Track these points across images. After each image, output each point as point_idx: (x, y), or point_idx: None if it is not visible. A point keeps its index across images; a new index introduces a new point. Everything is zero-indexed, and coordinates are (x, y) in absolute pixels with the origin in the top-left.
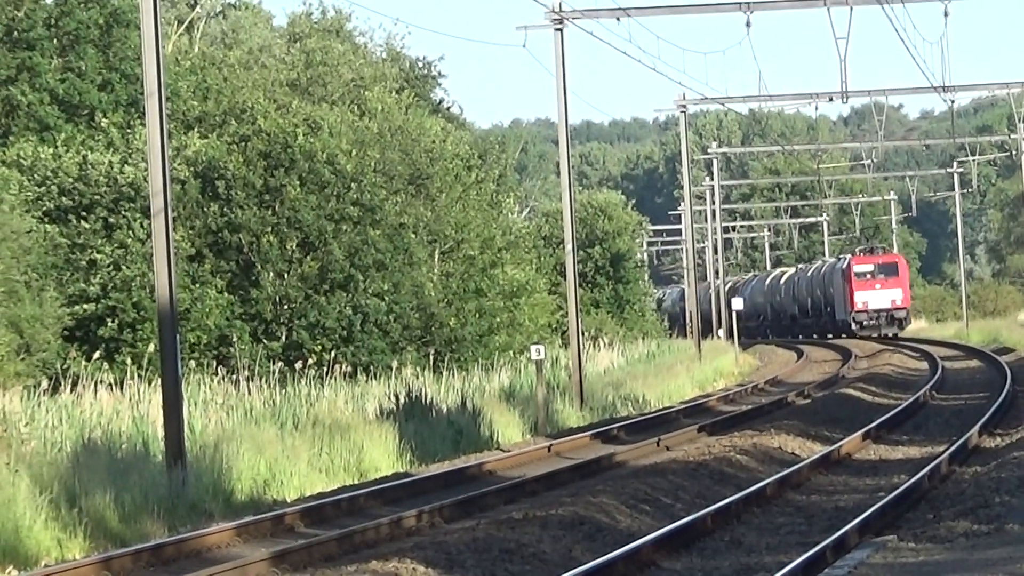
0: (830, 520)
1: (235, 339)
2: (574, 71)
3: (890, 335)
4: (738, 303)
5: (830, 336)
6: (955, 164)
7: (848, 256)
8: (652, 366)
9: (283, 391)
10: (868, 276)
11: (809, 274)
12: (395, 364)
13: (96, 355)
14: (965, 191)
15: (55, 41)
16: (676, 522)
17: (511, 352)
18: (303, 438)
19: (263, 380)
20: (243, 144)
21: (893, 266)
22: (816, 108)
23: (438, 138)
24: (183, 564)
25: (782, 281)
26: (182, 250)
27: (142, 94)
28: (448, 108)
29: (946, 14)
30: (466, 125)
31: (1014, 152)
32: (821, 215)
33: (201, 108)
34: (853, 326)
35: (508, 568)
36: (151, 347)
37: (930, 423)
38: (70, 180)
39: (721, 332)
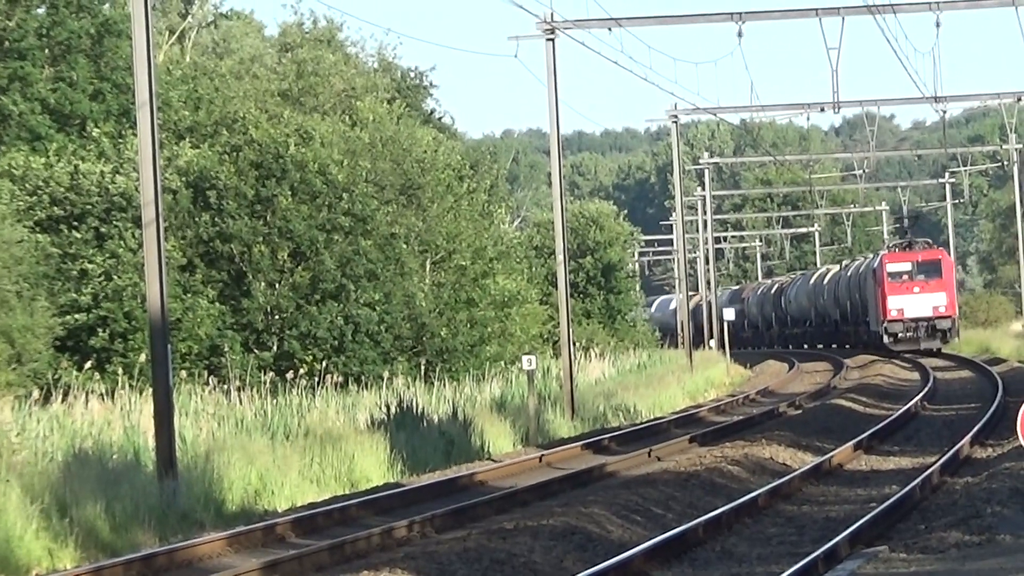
0: (821, 531)
1: (226, 349)
2: (566, 81)
3: (933, 350)
4: (729, 313)
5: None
6: (947, 174)
7: (881, 253)
8: (643, 376)
9: (274, 401)
10: (904, 277)
11: (849, 273)
12: (386, 374)
13: (87, 365)
14: (957, 201)
15: (46, 51)
16: (667, 532)
17: (502, 362)
18: (294, 448)
19: (254, 390)
20: (235, 154)
21: (935, 264)
22: (808, 118)
23: (429, 148)
24: (174, 574)
25: (825, 281)
26: (173, 260)
27: (133, 104)
28: (440, 118)
29: (938, 24)
30: (458, 135)
31: (1006, 163)
32: (813, 225)
33: (192, 118)
34: (885, 339)
35: None
36: (142, 357)
37: (921, 434)
38: (61, 190)
39: (712, 343)
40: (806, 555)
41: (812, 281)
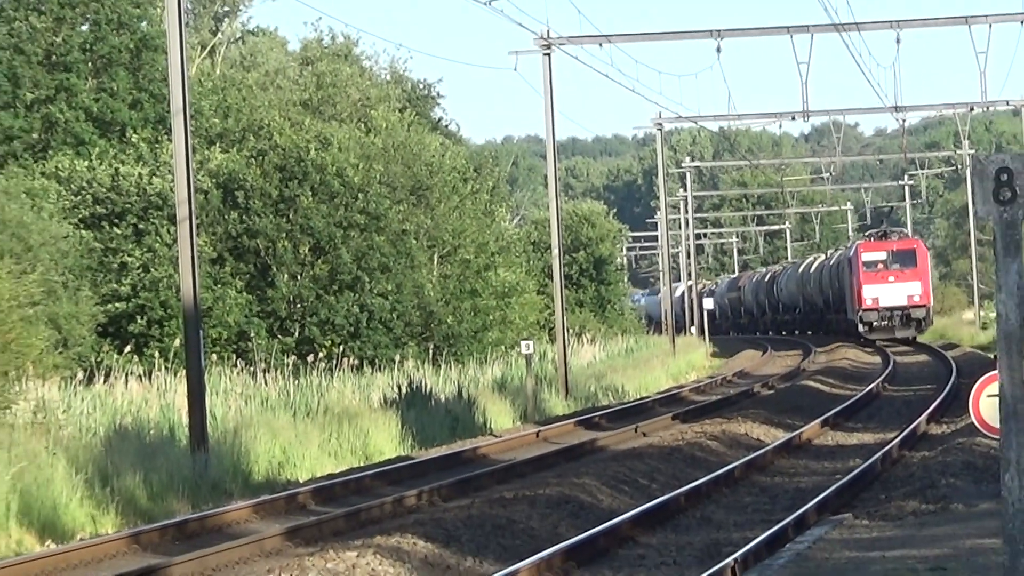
0: (792, 500)
1: (253, 335)
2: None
3: (908, 338)
4: (708, 303)
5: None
6: (906, 177)
7: (856, 242)
8: (631, 360)
9: (296, 382)
10: (879, 266)
11: (831, 262)
12: (398, 358)
13: (127, 349)
14: (915, 202)
15: (90, 64)
16: (652, 501)
17: (503, 347)
18: (314, 425)
19: (278, 372)
20: (260, 158)
21: (910, 253)
22: (780, 126)
23: (437, 153)
24: (205, 539)
25: (812, 270)
26: (205, 254)
27: (169, 112)
28: (446, 125)
29: (898, 40)
30: (462, 141)
31: (959, 166)
32: (784, 223)
33: (222, 125)
34: (860, 327)
35: (500, 542)
36: (176, 342)
37: (883, 412)
38: (103, 190)
39: (693, 329)
40: (778, 522)
41: (800, 270)
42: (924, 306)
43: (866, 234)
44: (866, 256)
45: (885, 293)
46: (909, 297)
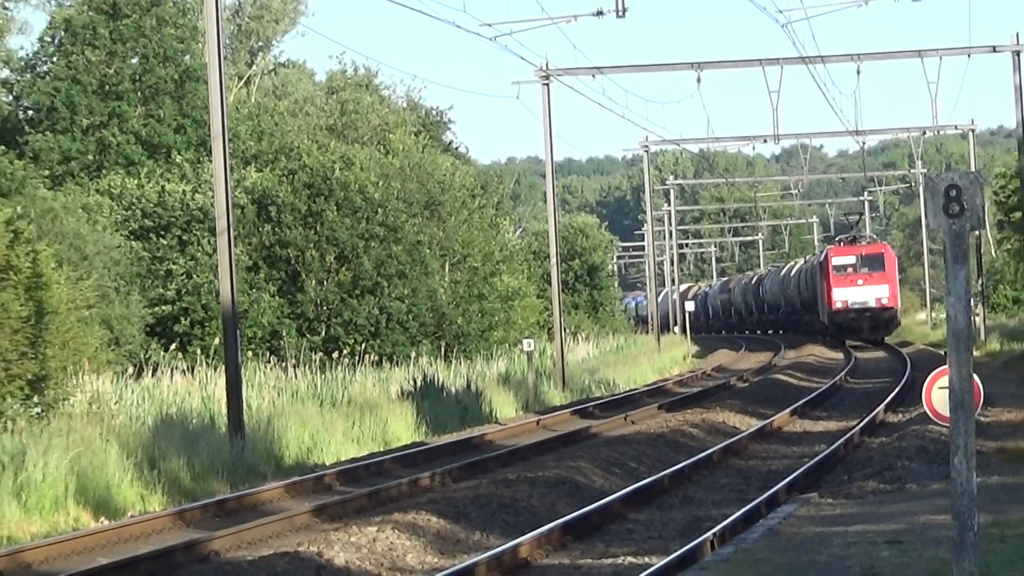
0: (764, 480)
1: (284, 334)
2: (558, 118)
3: (877, 340)
4: (690, 305)
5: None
6: (865, 193)
7: (827, 247)
8: (620, 356)
9: (323, 376)
10: (849, 270)
11: (807, 266)
12: (413, 354)
13: (172, 347)
14: (874, 215)
15: (139, 93)
16: (640, 482)
17: (507, 344)
18: (339, 414)
19: (306, 367)
20: (291, 176)
21: (878, 258)
22: (753, 148)
23: (448, 172)
24: (242, 515)
25: (792, 273)
26: (241, 262)
27: (209, 136)
28: (456, 148)
29: (858, 72)
30: (470, 161)
31: (913, 184)
32: (757, 235)
33: (257, 147)
34: (830, 328)
35: (504, 519)
36: (216, 340)
37: (845, 402)
38: (151, 205)
39: (676, 328)
40: (752, 500)
41: (782, 274)
42: (891, 308)
43: (836, 239)
44: (836, 260)
45: (854, 295)
46: (877, 299)
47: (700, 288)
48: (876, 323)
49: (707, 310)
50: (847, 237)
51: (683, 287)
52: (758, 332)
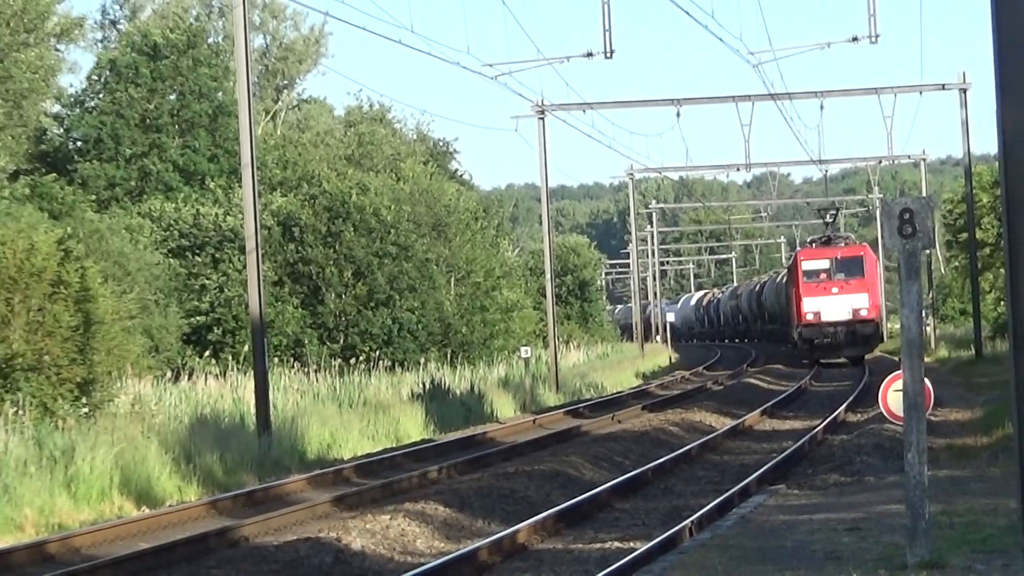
0: (737, 474)
1: (306, 342)
2: (552, 148)
3: (855, 360)
4: (671, 316)
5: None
6: (828, 216)
7: (796, 250)
8: (608, 362)
9: (341, 380)
10: (822, 276)
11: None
12: (422, 360)
13: (206, 353)
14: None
15: (176, 126)
16: (626, 475)
17: (506, 352)
18: (355, 414)
19: (326, 372)
20: (312, 201)
21: (856, 261)
22: (727, 175)
23: (453, 197)
24: (269, 505)
25: (778, 280)
26: (268, 277)
27: (240, 165)
28: (460, 175)
29: (821, 107)
30: (473, 187)
31: (871, 207)
32: (731, 253)
33: (282, 175)
34: (800, 345)
35: (504, 508)
36: (246, 348)
37: (809, 404)
38: (187, 227)
39: (659, 338)
40: (726, 491)
41: (777, 280)
42: (872, 321)
43: (809, 240)
44: (807, 265)
45: (828, 307)
46: (855, 311)
47: (714, 295)
48: (854, 339)
49: (719, 317)
50: (820, 238)
51: (699, 294)
52: (756, 340)
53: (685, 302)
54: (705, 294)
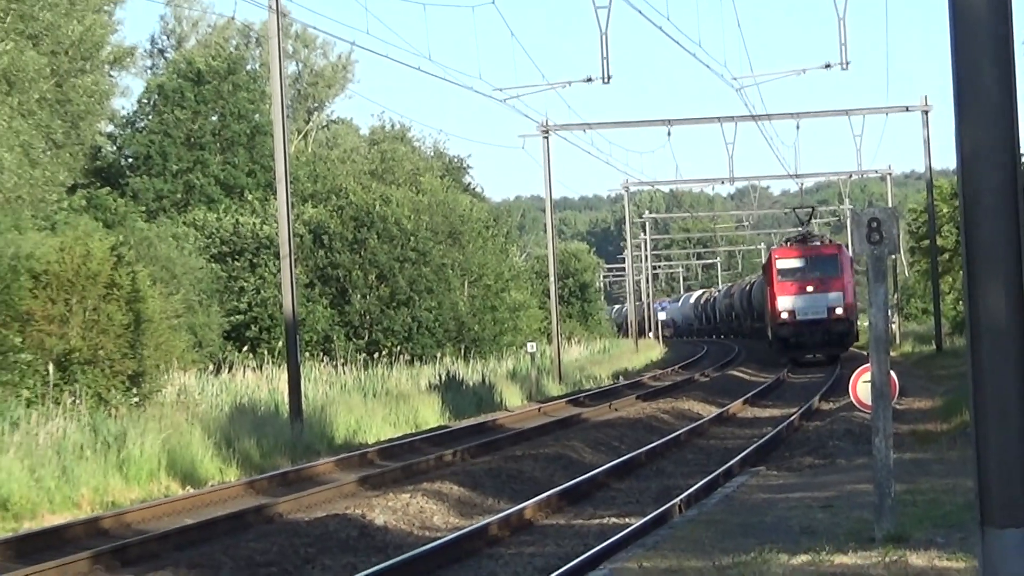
0: (722, 456)
1: (334, 338)
2: (555, 163)
3: (834, 358)
4: (662, 315)
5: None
6: (803, 214)
7: (771, 247)
8: (606, 356)
9: (366, 372)
10: (796, 274)
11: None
12: (439, 355)
13: (244, 349)
14: None
15: (218, 144)
16: (621, 457)
17: (514, 347)
18: (379, 403)
19: (353, 365)
20: (340, 211)
21: (831, 260)
22: (713, 188)
23: (467, 208)
24: (301, 485)
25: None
26: (300, 280)
27: (275, 179)
28: (473, 188)
29: (798, 127)
30: (484, 199)
31: (842, 217)
32: (716, 258)
33: (313, 188)
34: (774, 343)
35: (513, 487)
36: (280, 344)
37: (787, 394)
38: (227, 235)
39: (651, 334)
40: (712, 472)
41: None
42: (846, 319)
43: (784, 240)
44: (781, 263)
45: (802, 305)
46: (830, 310)
47: (711, 294)
48: (829, 338)
49: (715, 314)
50: (795, 236)
51: (698, 292)
52: (747, 336)
53: (685, 300)
54: (704, 293)
